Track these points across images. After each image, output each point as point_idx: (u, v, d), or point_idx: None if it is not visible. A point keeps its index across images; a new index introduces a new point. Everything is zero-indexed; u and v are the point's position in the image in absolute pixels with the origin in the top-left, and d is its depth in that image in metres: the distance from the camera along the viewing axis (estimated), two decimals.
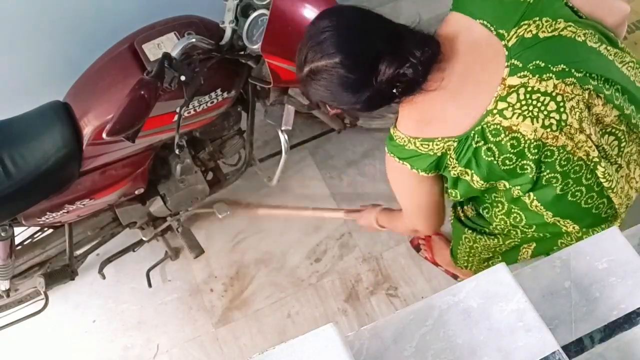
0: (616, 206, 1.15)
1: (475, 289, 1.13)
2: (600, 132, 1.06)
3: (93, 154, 1.36)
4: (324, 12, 1.05)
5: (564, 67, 0.98)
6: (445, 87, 1.01)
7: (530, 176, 1.05)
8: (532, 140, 1.00)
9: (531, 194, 1.10)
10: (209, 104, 1.38)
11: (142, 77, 1.12)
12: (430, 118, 1.05)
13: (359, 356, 1.08)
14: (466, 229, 1.42)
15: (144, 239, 1.78)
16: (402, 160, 1.12)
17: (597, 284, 1.20)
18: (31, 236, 1.69)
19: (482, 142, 1.02)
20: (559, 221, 1.17)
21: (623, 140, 1.08)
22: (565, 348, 1.10)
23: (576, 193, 1.10)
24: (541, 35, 0.98)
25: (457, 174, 1.10)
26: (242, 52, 1.34)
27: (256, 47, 1.27)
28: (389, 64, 0.95)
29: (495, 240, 1.35)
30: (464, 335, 1.09)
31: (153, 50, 1.29)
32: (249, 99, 1.56)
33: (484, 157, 1.03)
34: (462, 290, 1.14)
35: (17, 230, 1.50)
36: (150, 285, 1.91)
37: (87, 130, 1.30)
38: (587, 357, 1.13)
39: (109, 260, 1.84)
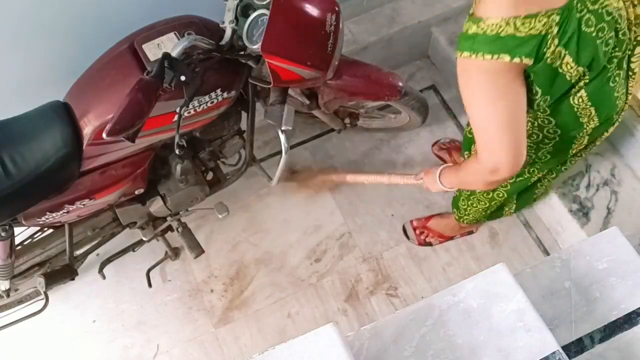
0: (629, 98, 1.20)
1: (475, 289, 1.13)
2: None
3: (93, 154, 1.35)
4: None
5: None
6: None
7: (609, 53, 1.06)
8: (617, 9, 1.02)
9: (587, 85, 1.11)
10: (209, 104, 1.38)
11: (142, 77, 1.12)
12: None
13: (359, 356, 1.08)
14: None
15: (144, 239, 1.78)
16: (496, 54, 0.98)
17: (597, 284, 1.20)
18: (31, 236, 1.69)
19: (585, 10, 0.99)
20: (589, 115, 1.18)
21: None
22: (565, 348, 1.10)
23: (615, 78, 1.12)
24: None
25: (551, 59, 1.02)
26: (242, 52, 1.34)
27: (256, 47, 1.26)
28: None
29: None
30: (464, 335, 1.09)
31: (153, 50, 1.29)
32: (249, 99, 1.56)
33: (585, 28, 1.00)
34: (462, 290, 1.14)
35: (17, 230, 1.50)
36: (150, 285, 1.91)
37: (87, 130, 1.30)
38: (587, 357, 1.13)
39: (109, 260, 1.84)
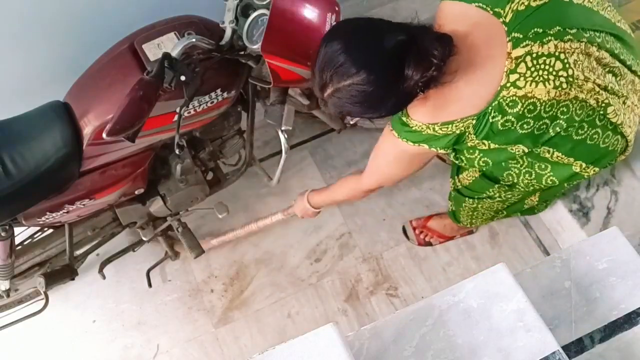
0: (628, 138, 1.23)
1: (475, 289, 1.14)
2: (603, 74, 1.13)
3: (93, 154, 1.36)
4: (332, 31, 1.09)
5: (559, 28, 1.05)
6: (458, 74, 1.05)
7: (547, 133, 1.12)
8: (547, 101, 1.06)
9: (550, 149, 1.18)
10: (209, 104, 1.38)
11: (142, 77, 1.12)
12: (445, 103, 1.09)
13: (359, 356, 1.08)
14: (466, 199, 1.55)
15: (144, 239, 1.78)
16: (417, 143, 1.17)
17: (597, 284, 1.20)
18: (31, 236, 1.69)
19: (500, 115, 1.07)
20: (581, 166, 1.24)
21: (618, 74, 1.17)
22: (565, 348, 1.10)
23: (594, 136, 1.17)
24: (533, 4, 1.06)
25: (475, 145, 1.15)
26: (242, 52, 1.34)
27: (256, 47, 1.26)
28: (415, 68, 0.98)
29: (497, 199, 1.47)
30: (464, 335, 1.09)
31: (153, 50, 1.29)
32: (249, 99, 1.56)
33: (501, 128, 1.09)
34: (462, 290, 1.14)
35: (17, 230, 1.50)
36: (150, 285, 1.91)
37: (87, 130, 1.30)
38: (587, 357, 1.13)
39: (109, 260, 1.84)
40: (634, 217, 1.77)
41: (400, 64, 0.99)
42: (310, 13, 1.30)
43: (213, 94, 1.37)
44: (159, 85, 1.12)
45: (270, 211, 1.89)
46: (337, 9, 1.35)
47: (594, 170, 1.25)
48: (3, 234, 1.42)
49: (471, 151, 1.20)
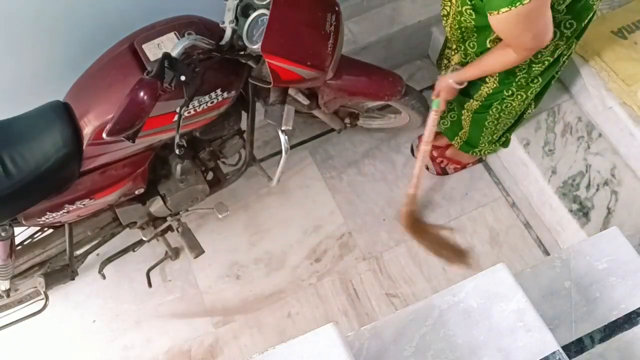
0: None
1: (475, 289, 1.13)
2: None
3: (93, 154, 1.35)
4: None
5: None
6: None
7: None
8: None
9: None
10: (209, 104, 1.38)
11: (142, 77, 1.12)
12: None
13: (359, 356, 1.08)
14: (488, 113, 1.67)
15: (144, 239, 1.78)
16: None
17: (597, 284, 1.20)
18: (31, 236, 1.69)
19: None
20: None
21: None
22: (565, 348, 1.10)
23: None
24: None
25: None
26: (242, 52, 1.34)
27: (256, 47, 1.26)
28: None
29: (518, 95, 1.56)
30: (464, 335, 1.09)
31: (153, 50, 1.29)
32: (249, 99, 1.56)
33: None
34: (462, 290, 1.14)
35: (17, 230, 1.50)
36: (150, 285, 1.91)
37: (87, 130, 1.30)
38: (587, 357, 1.13)
39: (109, 260, 1.84)
40: (634, 217, 1.77)
41: None
42: (310, 13, 1.30)
43: (213, 94, 1.37)
44: (159, 85, 1.12)
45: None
46: (337, 9, 1.35)
47: None
48: (3, 234, 1.42)
49: None
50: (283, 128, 1.46)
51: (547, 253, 1.95)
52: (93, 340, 1.94)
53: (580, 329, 1.15)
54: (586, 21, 1.43)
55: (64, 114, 1.32)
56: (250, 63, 1.35)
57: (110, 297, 2.00)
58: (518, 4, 1.12)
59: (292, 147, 2.11)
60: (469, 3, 1.33)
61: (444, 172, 2.12)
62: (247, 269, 2.01)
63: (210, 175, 1.80)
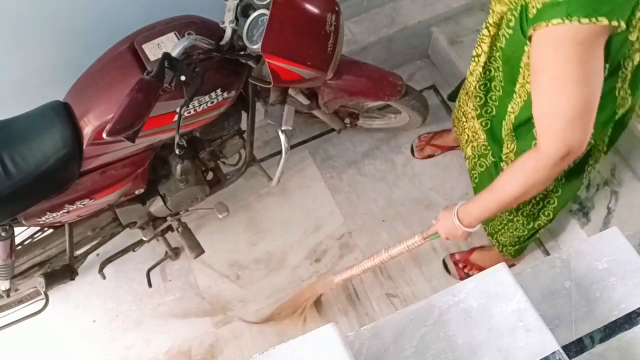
0: None
1: (475, 289, 1.13)
2: None
3: (93, 154, 1.36)
4: None
5: None
6: None
7: None
8: None
9: None
10: (209, 104, 1.38)
11: (142, 77, 1.12)
12: None
13: (359, 356, 1.08)
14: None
15: (144, 239, 1.78)
16: (594, 16, 0.88)
17: (597, 284, 1.20)
18: (31, 236, 1.69)
19: None
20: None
21: None
22: (565, 348, 1.10)
23: None
24: None
25: (635, 23, 0.96)
26: (242, 52, 1.34)
27: (256, 47, 1.26)
28: None
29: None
30: (464, 335, 1.09)
31: (153, 50, 1.29)
32: (249, 99, 1.56)
33: None
34: (462, 290, 1.14)
35: (17, 230, 1.50)
36: (150, 285, 1.91)
37: (87, 130, 1.30)
38: (587, 357, 1.13)
39: (109, 260, 1.84)
40: (634, 217, 1.77)
41: None
42: (310, 13, 1.30)
43: (213, 94, 1.37)
44: (159, 85, 1.12)
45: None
46: (337, 9, 1.35)
47: None
48: (3, 234, 1.42)
49: None
50: (283, 128, 1.46)
51: (547, 253, 1.95)
52: (93, 340, 1.94)
53: (580, 329, 1.15)
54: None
55: (64, 114, 1.32)
56: (250, 63, 1.35)
57: (110, 297, 2.00)
58: (574, 19, 0.88)
59: (292, 147, 2.11)
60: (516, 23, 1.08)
61: (467, 277, 1.83)
62: (247, 269, 2.01)
63: (210, 175, 1.80)
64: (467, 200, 1.24)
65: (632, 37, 1.00)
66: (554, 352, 1.04)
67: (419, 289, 1.92)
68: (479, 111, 1.49)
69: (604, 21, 0.88)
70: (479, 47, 1.35)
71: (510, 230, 1.64)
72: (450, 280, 1.92)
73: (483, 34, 1.31)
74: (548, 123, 1.00)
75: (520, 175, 1.08)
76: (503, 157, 1.43)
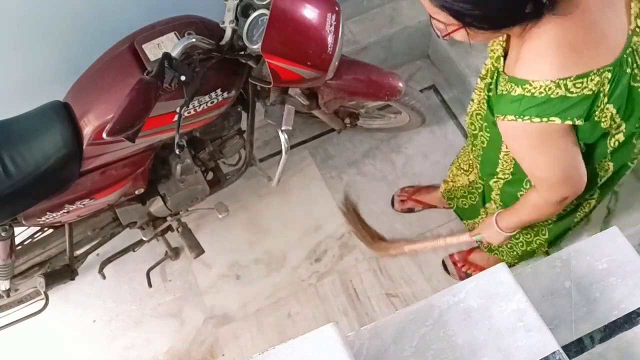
0: None
1: (475, 289, 1.13)
2: None
3: (93, 154, 1.36)
4: None
5: None
6: (583, 8, 0.87)
7: None
8: None
9: None
10: (209, 104, 1.38)
11: (142, 77, 1.12)
12: (581, 46, 0.89)
13: (359, 356, 1.08)
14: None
15: (144, 239, 1.78)
16: (545, 117, 0.92)
17: (597, 284, 1.20)
18: (31, 236, 1.69)
19: (635, 64, 0.94)
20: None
21: None
22: (565, 348, 1.10)
23: None
24: None
25: (598, 117, 0.98)
26: (242, 52, 1.34)
27: (256, 47, 1.26)
28: None
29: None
30: (464, 335, 1.09)
31: (153, 50, 1.29)
32: (249, 99, 1.56)
33: (633, 83, 0.95)
34: (462, 290, 1.14)
35: (17, 230, 1.50)
36: (150, 285, 1.91)
37: (87, 130, 1.30)
38: (587, 357, 1.13)
39: (109, 260, 1.84)
40: (634, 217, 1.77)
41: None
42: (310, 13, 1.30)
43: (213, 94, 1.37)
44: (159, 85, 1.12)
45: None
46: (337, 9, 1.35)
47: None
48: (3, 234, 1.42)
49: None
50: (283, 128, 1.46)
51: (547, 253, 1.95)
52: (93, 340, 1.94)
53: (580, 329, 1.15)
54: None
55: (64, 114, 1.32)
56: (250, 63, 1.35)
57: (110, 297, 2.00)
58: (526, 118, 0.93)
59: (292, 147, 2.11)
60: (485, 94, 1.16)
61: (467, 276, 1.88)
62: (247, 269, 2.01)
63: (210, 175, 1.80)
64: (502, 212, 1.34)
65: (604, 125, 1.01)
66: (554, 352, 1.04)
67: (419, 288, 1.92)
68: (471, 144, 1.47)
69: (557, 120, 0.92)
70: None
71: (511, 250, 1.63)
72: (450, 280, 1.92)
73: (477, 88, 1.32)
74: (537, 182, 1.11)
75: (530, 211, 1.21)
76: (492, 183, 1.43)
